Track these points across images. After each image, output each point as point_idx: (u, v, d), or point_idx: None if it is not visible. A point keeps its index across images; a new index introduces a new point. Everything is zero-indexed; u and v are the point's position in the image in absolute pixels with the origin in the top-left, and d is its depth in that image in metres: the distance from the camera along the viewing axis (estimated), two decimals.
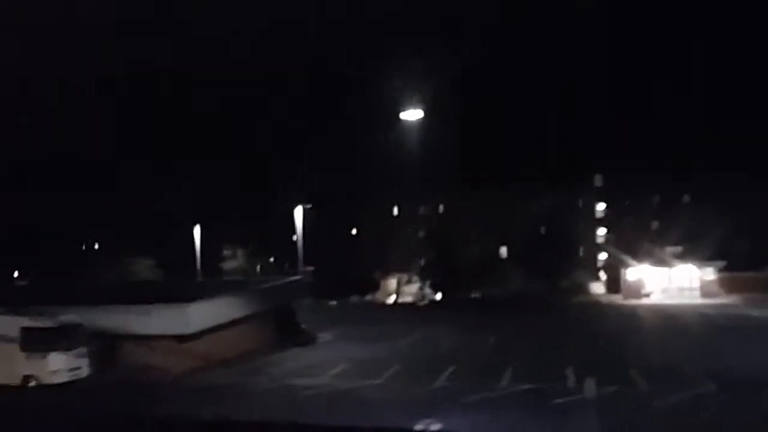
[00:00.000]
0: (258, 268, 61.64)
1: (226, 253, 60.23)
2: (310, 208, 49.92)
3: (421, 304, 67.13)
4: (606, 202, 74.32)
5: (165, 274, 58.52)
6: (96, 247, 65.11)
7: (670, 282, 56.25)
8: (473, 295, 68.30)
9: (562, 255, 68.58)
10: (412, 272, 75.92)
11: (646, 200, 72.50)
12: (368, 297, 67.90)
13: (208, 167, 54.88)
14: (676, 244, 63.10)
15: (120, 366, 27.73)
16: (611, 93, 72.97)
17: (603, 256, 74.11)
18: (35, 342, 25.65)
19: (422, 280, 68.82)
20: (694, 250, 58.77)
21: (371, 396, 23.45)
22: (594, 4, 42.97)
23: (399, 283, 75.40)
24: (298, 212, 44.62)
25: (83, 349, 26.60)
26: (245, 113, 61.59)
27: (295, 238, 47.03)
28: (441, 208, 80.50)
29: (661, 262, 57.83)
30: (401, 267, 75.69)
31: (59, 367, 25.75)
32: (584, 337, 35.89)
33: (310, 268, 43.53)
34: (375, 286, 70.56)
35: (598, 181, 75.11)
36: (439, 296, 71.41)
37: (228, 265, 60.06)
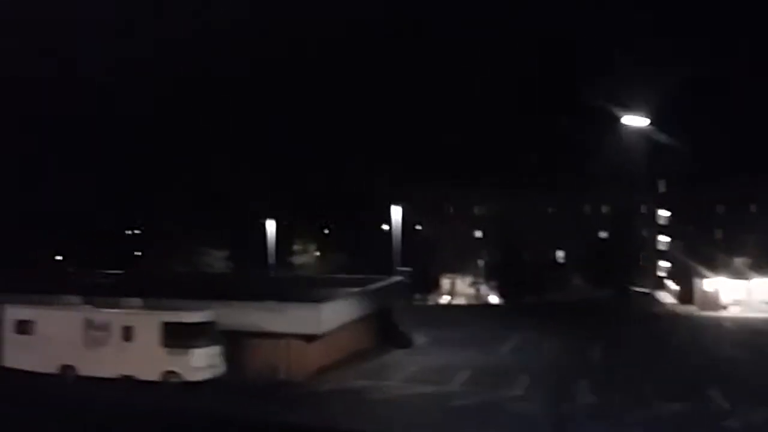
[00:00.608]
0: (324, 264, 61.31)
1: (296, 247, 60.19)
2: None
3: (477, 304, 66.89)
4: (669, 209, 73.31)
5: (236, 267, 58.69)
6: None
7: (750, 294, 55.25)
8: (534, 300, 67.52)
9: (623, 261, 67.95)
10: (466, 273, 75.61)
11: (711, 208, 71.41)
12: (429, 297, 67.59)
13: (294, 161, 55.07)
14: (744, 254, 62.06)
15: (248, 364, 27.61)
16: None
17: (664, 263, 73.21)
18: (177, 338, 25.59)
19: (486, 281, 68.30)
20: (762, 262, 57.75)
21: (524, 410, 23.16)
22: None
23: (453, 284, 75.06)
24: (396, 211, 44.30)
25: (218, 347, 26.52)
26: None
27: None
28: (495, 208, 79.58)
29: (737, 273, 56.91)
30: (456, 267, 75.35)
31: (201, 364, 25.70)
32: (698, 353, 35.03)
33: (407, 269, 43.22)
34: (434, 286, 70.25)
35: (661, 186, 74.04)
36: (495, 299, 71.00)
37: (298, 260, 60.04)
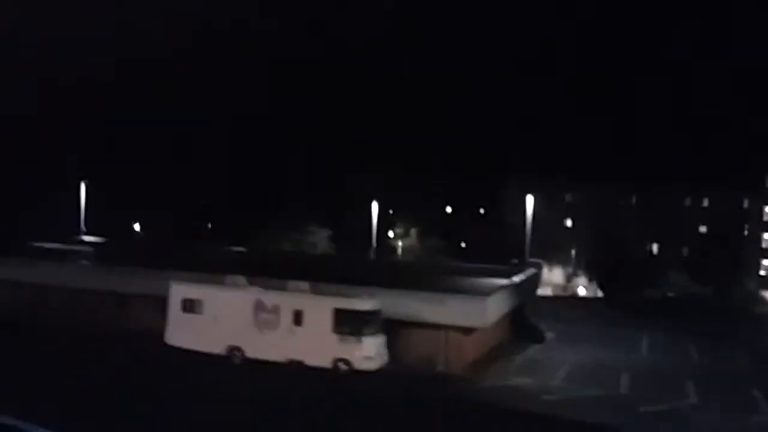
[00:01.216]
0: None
1: (397, 230, 59.70)
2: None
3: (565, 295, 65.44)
4: None
5: (338, 248, 58.63)
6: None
7: None
8: (634, 295, 65.60)
9: (725, 259, 65.58)
10: (555, 263, 74.02)
11: None
12: None
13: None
14: None
15: (405, 355, 27.19)
16: None
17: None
18: (348, 325, 25.28)
19: (581, 273, 66.72)
20: None
21: (712, 421, 22.28)
22: None
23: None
24: (529, 200, 43.27)
25: (384, 336, 26.16)
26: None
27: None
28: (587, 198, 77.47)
29: None
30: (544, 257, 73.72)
31: (372, 353, 25.39)
32: None
33: (538, 260, 42.23)
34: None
35: None
36: (584, 291, 69.42)
37: (399, 243, 59.50)
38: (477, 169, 65.04)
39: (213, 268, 32.92)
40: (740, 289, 64.32)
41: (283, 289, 27.05)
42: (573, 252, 72.88)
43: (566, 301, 64.95)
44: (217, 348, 26.57)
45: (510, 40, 73.44)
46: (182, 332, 27.15)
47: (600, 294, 66.40)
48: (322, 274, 30.14)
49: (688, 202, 74.76)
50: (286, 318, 26.02)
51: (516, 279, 33.86)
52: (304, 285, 26.95)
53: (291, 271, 30.42)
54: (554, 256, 73.60)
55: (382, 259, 48.97)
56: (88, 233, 51.33)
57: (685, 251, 71.98)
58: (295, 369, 25.32)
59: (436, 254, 57.83)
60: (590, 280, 67.70)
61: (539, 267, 41.98)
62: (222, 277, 28.38)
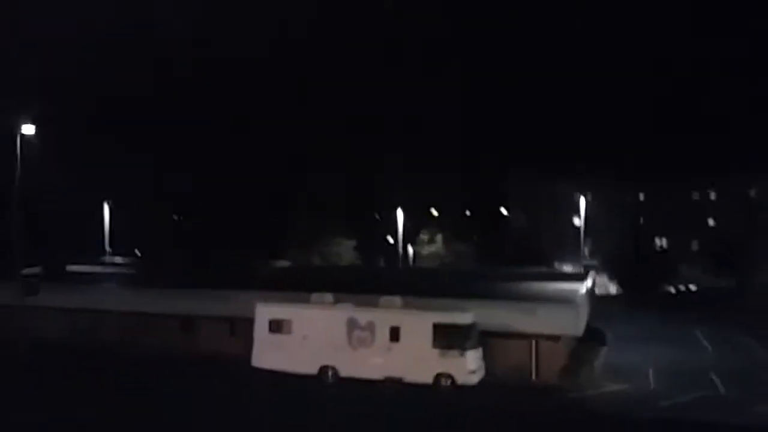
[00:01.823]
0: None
1: (422, 236, 59.10)
2: None
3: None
4: None
5: (363, 257, 57.95)
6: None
7: None
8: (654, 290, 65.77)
9: (740, 250, 66.12)
10: (566, 261, 73.98)
11: None
12: None
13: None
14: None
15: (495, 365, 26.65)
16: None
17: None
18: (449, 339, 24.72)
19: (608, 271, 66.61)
20: None
21: None
22: None
23: None
24: (582, 201, 42.94)
25: (481, 349, 25.64)
26: None
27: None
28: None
29: None
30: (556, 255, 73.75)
31: (474, 367, 24.86)
32: None
33: (594, 262, 41.96)
34: None
35: None
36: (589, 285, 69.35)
37: (425, 249, 58.92)
38: (489, 171, 64.73)
39: (270, 285, 32.23)
40: (760, 281, 64.72)
41: (375, 305, 26.34)
42: (587, 249, 72.83)
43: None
44: (309, 368, 25.82)
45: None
46: (270, 354, 26.30)
47: (615, 291, 66.39)
48: (380, 286, 29.60)
49: (696, 195, 75.28)
50: (382, 335, 25.39)
51: (589, 283, 33.53)
52: (397, 300, 26.28)
53: (346, 285, 29.97)
54: (567, 255, 73.81)
55: (431, 269, 48.21)
56: (114, 253, 50.10)
57: (695, 245, 72.64)
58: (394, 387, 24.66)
59: (464, 259, 57.34)
60: (610, 278, 67.63)
61: (594, 269, 41.75)
62: (304, 295, 27.58)
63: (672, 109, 71.52)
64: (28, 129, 31.64)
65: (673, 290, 64.71)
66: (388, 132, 57.58)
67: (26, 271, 31.52)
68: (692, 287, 65.24)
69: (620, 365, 30.72)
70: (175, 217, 58.02)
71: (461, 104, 65.02)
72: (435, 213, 61.73)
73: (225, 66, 51.09)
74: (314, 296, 27.26)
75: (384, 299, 26.37)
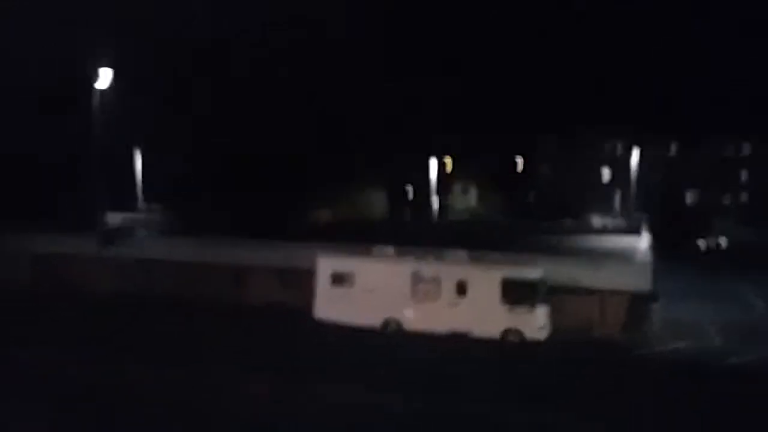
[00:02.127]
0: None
1: (455, 189, 58.19)
2: None
3: None
4: None
5: (392, 208, 57.25)
6: None
7: None
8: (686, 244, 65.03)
9: None
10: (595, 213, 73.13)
11: None
12: None
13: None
14: None
15: (561, 322, 26.22)
16: None
17: None
18: (518, 294, 24.24)
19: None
20: None
21: None
22: None
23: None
24: (635, 154, 41.89)
25: (549, 305, 25.18)
26: None
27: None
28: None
29: None
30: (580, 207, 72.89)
31: (542, 323, 24.45)
32: None
33: (645, 215, 41.10)
34: None
35: None
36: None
37: (459, 203, 57.98)
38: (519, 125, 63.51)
39: (314, 236, 31.84)
40: None
41: (439, 258, 25.81)
42: (617, 204, 71.93)
43: None
44: (372, 321, 25.44)
45: None
46: (332, 306, 25.91)
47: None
48: (430, 239, 29.08)
49: (729, 151, 73.91)
50: (448, 289, 24.91)
51: (646, 237, 32.92)
52: (463, 255, 25.75)
53: (392, 237, 29.52)
54: (596, 209, 72.86)
55: (476, 221, 47.36)
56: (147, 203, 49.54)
57: (727, 198, 71.76)
58: (459, 341, 24.26)
59: (497, 213, 56.63)
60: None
61: (646, 223, 41.01)
62: (366, 247, 27.07)
63: (701, 61, 69.61)
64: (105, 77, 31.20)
65: (704, 245, 64.10)
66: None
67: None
68: (722, 242, 64.46)
69: (679, 322, 30.33)
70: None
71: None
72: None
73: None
74: (376, 249, 26.76)
75: (450, 253, 25.83)
